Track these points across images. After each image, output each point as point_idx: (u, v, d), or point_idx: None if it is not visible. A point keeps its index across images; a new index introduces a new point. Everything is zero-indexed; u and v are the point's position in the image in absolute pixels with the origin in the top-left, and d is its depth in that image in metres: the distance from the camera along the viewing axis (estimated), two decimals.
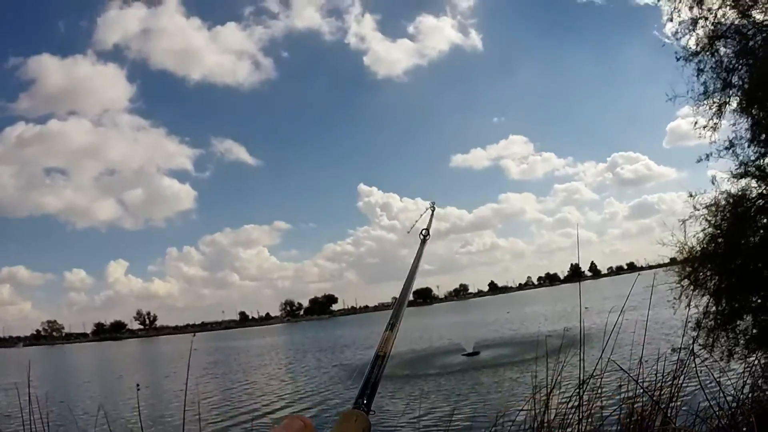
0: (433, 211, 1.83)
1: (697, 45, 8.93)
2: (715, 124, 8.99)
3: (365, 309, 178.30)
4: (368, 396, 1.06)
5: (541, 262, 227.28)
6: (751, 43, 8.51)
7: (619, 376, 4.43)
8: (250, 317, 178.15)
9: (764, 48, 8.31)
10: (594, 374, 4.09)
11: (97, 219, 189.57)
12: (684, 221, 8.66)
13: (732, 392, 4.48)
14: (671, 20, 9.32)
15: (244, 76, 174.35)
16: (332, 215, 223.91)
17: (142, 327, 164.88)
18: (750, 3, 8.43)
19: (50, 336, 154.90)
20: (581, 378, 4.06)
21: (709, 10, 8.78)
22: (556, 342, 5.06)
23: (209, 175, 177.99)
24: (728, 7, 8.65)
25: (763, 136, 8.37)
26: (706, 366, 5.60)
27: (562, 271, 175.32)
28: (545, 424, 4.07)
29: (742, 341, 8.13)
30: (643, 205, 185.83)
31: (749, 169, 8.46)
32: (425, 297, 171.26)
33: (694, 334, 7.67)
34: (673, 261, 9.29)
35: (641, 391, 4.00)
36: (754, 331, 8.11)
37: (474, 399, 13.81)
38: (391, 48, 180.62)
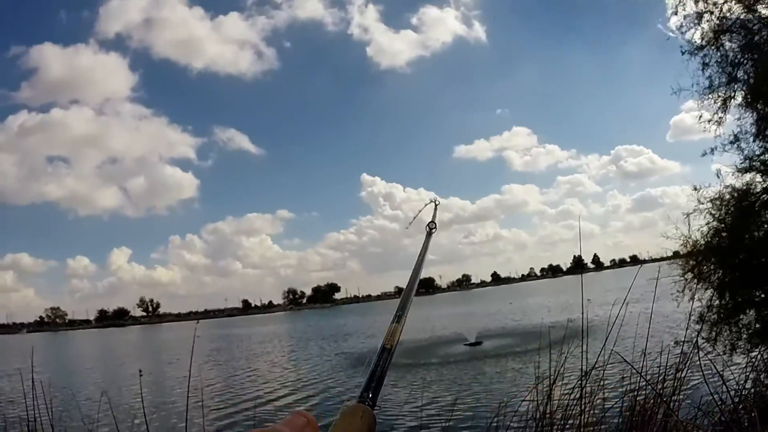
0: (436, 206, 1.80)
1: (703, 39, 8.90)
2: (719, 118, 8.97)
3: (368, 298, 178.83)
4: (374, 390, 0.97)
5: (544, 254, 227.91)
6: (756, 38, 8.46)
7: (622, 368, 4.43)
8: (253, 305, 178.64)
9: None
10: (597, 366, 4.08)
11: (100, 207, 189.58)
12: (688, 215, 8.66)
13: (734, 386, 4.48)
14: (676, 14, 9.29)
15: (246, 66, 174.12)
16: (335, 204, 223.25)
17: (145, 314, 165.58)
18: None
19: (53, 323, 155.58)
20: (583, 369, 4.06)
21: (715, 4, 8.74)
22: (559, 333, 5.05)
23: (212, 164, 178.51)
24: (734, 2, 8.61)
25: None
26: (709, 360, 5.60)
27: (565, 263, 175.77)
28: (547, 415, 4.08)
29: (744, 335, 8.14)
30: (647, 199, 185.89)
31: (754, 163, 8.44)
32: (428, 287, 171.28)
33: (698, 327, 7.67)
34: (676, 254, 9.29)
35: (644, 383, 4.00)
36: (757, 325, 8.12)
37: (476, 389, 13.83)
38: (394, 39, 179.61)
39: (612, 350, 4.08)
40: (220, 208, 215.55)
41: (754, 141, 8.59)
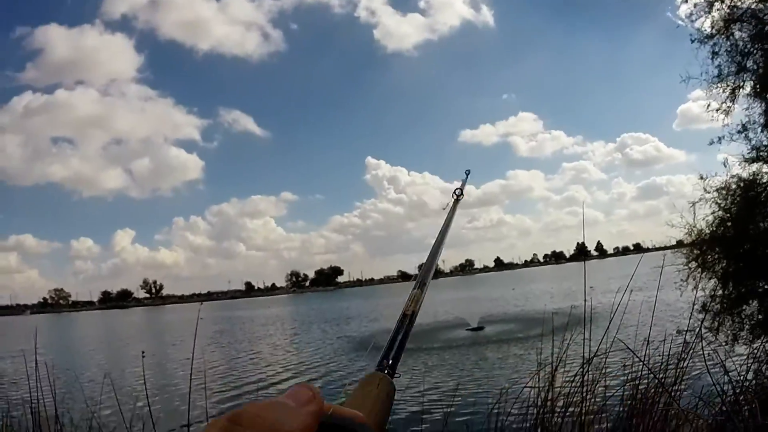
0: (467, 175, 1.78)
1: (713, 28, 8.82)
2: (728, 107, 8.92)
3: (371, 282, 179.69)
4: (393, 357, 0.95)
5: (548, 240, 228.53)
6: (767, 28, 8.38)
7: (624, 356, 4.42)
8: (256, 287, 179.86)
9: None
10: (599, 353, 4.09)
11: (104, 188, 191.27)
12: (694, 203, 8.62)
13: (736, 377, 4.48)
14: (686, 1, 9.20)
15: (252, 48, 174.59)
16: (339, 187, 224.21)
17: (148, 296, 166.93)
18: None
19: (57, 304, 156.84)
20: (585, 356, 4.07)
21: None
22: (562, 320, 5.05)
23: (217, 146, 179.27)
24: None
25: None
26: (712, 350, 5.60)
27: (568, 250, 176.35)
28: (549, 402, 4.09)
29: (747, 326, 8.14)
30: (652, 187, 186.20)
31: (761, 153, 8.40)
32: None
33: (701, 317, 7.67)
34: (680, 243, 9.28)
35: (646, 371, 4.01)
36: (760, 316, 8.11)
37: (478, 375, 13.85)
38: (401, 22, 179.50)
39: (615, 338, 4.08)
40: (224, 189, 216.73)
41: (762, 131, 8.55)
